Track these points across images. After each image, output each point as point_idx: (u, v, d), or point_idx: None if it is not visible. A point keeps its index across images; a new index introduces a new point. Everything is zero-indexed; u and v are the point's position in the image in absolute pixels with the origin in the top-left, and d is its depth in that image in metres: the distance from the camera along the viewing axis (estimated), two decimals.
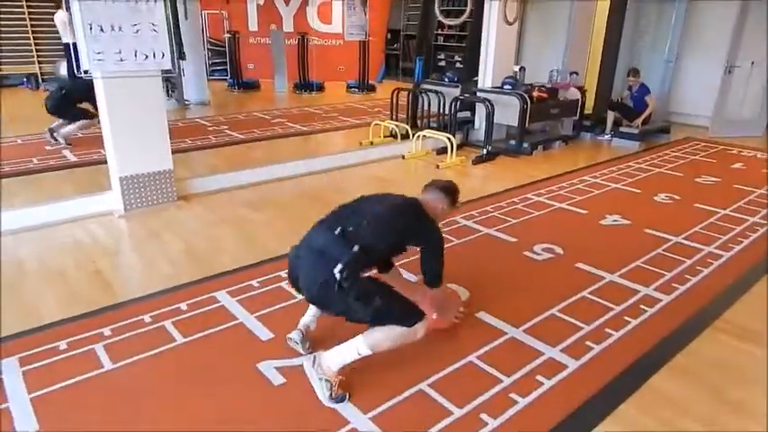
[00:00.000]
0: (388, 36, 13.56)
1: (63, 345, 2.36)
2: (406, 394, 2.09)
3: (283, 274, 3.05)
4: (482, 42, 6.47)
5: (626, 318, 2.68)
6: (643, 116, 6.75)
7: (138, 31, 3.77)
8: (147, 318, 2.59)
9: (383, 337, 2.01)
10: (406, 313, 2.05)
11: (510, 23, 5.93)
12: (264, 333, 2.48)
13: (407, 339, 2.05)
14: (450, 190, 2.43)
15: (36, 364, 2.23)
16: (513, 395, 2.09)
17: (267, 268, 3.12)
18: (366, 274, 2.11)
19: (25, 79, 10.00)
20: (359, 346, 2.02)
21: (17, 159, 5.19)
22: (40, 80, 10.14)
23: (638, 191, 4.83)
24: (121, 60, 3.76)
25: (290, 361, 2.26)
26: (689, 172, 5.50)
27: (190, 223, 3.89)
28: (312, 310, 2.39)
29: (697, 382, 2.24)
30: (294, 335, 2.31)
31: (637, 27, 8.06)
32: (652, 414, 2.03)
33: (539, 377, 2.20)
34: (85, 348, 2.34)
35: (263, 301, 2.75)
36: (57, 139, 5.79)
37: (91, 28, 3.58)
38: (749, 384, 2.24)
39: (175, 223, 3.88)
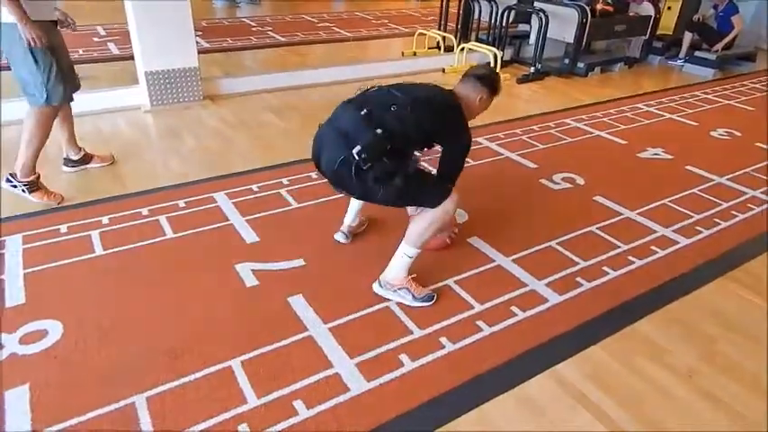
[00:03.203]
0: None
1: (64, 228, 2.50)
2: (371, 310, 2.07)
3: (285, 180, 3.05)
4: None
5: (630, 257, 2.49)
6: (726, 40, 5.95)
7: None
8: (144, 211, 2.68)
9: (420, 230, 2.04)
10: (430, 194, 2.02)
11: None
12: (251, 236, 2.51)
13: (442, 221, 2.06)
14: (489, 80, 2.17)
15: (36, 243, 2.38)
16: (479, 322, 2.03)
17: (270, 174, 3.12)
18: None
19: None
20: (405, 250, 2.08)
21: None
22: None
23: (695, 124, 4.35)
24: None
25: (267, 265, 2.30)
26: (762, 107, 4.87)
27: (211, 123, 3.91)
28: (353, 207, 2.45)
29: (688, 330, 2.08)
30: (339, 236, 2.46)
31: None
32: (623, 359, 1.92)
33: (513, 308, 2.12)
34: (83, 234, 2.46)
35: (257, 206, 2.76)
36: None
37: None
38: (745, 339, 2.06)
39: (197, 122, 3.91)
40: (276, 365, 1.79)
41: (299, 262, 2.33)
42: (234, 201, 2.81)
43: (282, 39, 6.56)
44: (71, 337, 1.87)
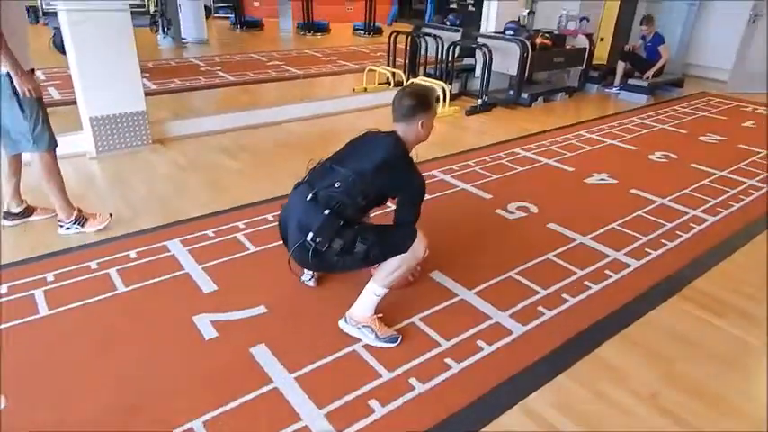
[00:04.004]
0: None
1: (3, 288, 2.34)
2: (338, 354, 2.03)
3: (241, 224, 2.99)
4: None
5: (587, 283, 2.56)
6: (655, 68, 6.35)
7: None
8: (93, 264, 2.55)
9: (389, 271, 2.04)
10: (394, 244, 2.03)
11: None
12: (208, 285, 2.42)
13: (412, 262, 2.06)
14: (421, 103, 2.10)
15: None
16: (448, 360, 2.03)
17: (226, 218, 3.05)
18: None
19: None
20: (373, 289, 2.08)
21: None
22: (40, 14, 9.90)
23: (635, 148, 4.59)
24: None
25: (227, 315, 2.22)
26: (694, 130, 5.20)
27: (161, 167, 3.81)
28: None
29: (647, 353, 2.14)
30: (305, 277, 2.43)
31: None
32: (589, 386, 1.95)
33: (479, 342, 2.13)
34: (25, 294, 2.32)
35: (214, 252, 2.69)
36: None
37: None
38: (703, 358, 2.13)
39: (146, 167, 3.80)
40: (241, 424, 1.71)
41: (261, 309, 2.27)
42: (189, 248, 2.72)
43: (232, 78, 6.54)
44: (14, 412, 1.73)
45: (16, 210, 2.90)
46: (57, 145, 2.75)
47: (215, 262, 2.61)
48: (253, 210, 3.15)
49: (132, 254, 2.65)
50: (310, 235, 1.92)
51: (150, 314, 2.23)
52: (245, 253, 2.70)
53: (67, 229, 2.83)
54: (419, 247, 2.03)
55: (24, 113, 2.54)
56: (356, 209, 2.00)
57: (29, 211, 2.94)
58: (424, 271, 2.56)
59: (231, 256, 2.66)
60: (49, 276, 2.44)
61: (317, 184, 2.01)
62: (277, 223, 2.17)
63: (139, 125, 4.06)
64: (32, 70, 2.65)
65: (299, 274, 2.39)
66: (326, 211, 1.93)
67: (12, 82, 2.44)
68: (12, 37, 2.38)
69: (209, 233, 2.88)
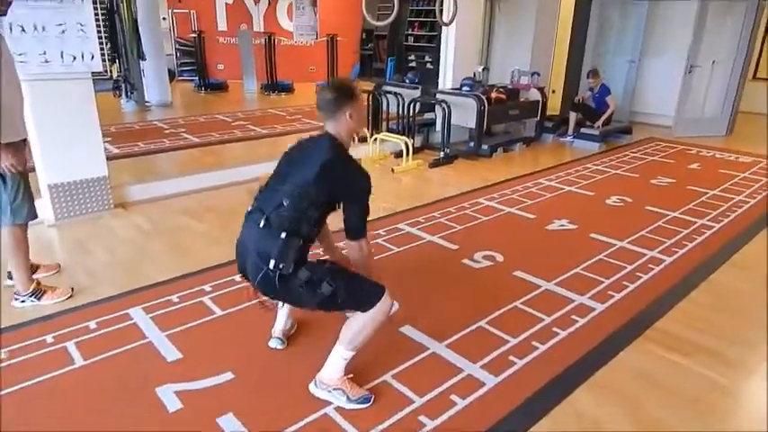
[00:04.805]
0: (363, 36, 13.46)
1: None
2: (310, 419, 1.97)
3: (207, 287, 2.93)
4: (441, 43, 6.39)
5: (555, 329, 2.59)
6: (604, 117, 6.72)
7: (63, 31, 3.60)
8: (49, 338, 2.44)
9: (353, 333, 1.99)
10: (360, 297, 1.97)
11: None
12: (172, 353, 2.34)
13: (378, 322, 1.98)
14: (342, 94, 2.03)
15: None
16: (421, 417, 1.99)
17: (191, 281, 2.99)
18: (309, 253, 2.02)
19: None
20: (340, 352, 2.03)
21: None
22: None
23: (591, 194, 4.77)
24: (46, 62, 3.59)
25: (192, 384, 2.14)
26: (645, 173, 5.47)
27: (123, 232, 3.74)
28: (283, 311, 2.39)
29: (616, 397, 2.16)
30: (273, 343, 2.37)
31: (601, 29, 8.05)
32: None
33: (453, 396, 2.11)
34: None
35: (178, 318, 2.61)
36: None
37: (11, 29, 3.41)
38: (670, 398, 2.16)
39: (107, 233, 3.72)
40: None
41: (228, 376, 2.20)
42: (152, 315, 2.64)
43: (197, 139, 6.57)
44: None
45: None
46: (36, 217, 2.75)
47: (179, 328, 2.53)
48: (220, 271, 3.10)
49: (92, 324, 2.56)
50: (272, 263, 1.86)
51: (110, 388, 2.13)
52: (212, 317, 2.64)
53: (23, 302, 2.72)
54: (386, 304, 1.97)
55: (5, 185, 2.51)
56: (310, 222, 1.96)
57: None
58: (394, 325, 2.55)
59: (196, 322, 2.59)
60: (2, 353, 2.32)
61: (267, 209, 1.96)
62: (235, 256, 2.07)
63: (101, 190, 4.00)
64: (24, 140, 2.62)
65: (268, 305, 2.26)
66: (283, 235, 1.88)
67: None
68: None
69: (174, 298, 2.81)
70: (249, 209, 2.07)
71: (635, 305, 2.84)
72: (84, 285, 2.96)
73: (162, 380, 2.16)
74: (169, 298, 2.80)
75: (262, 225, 1.93)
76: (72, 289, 2.85)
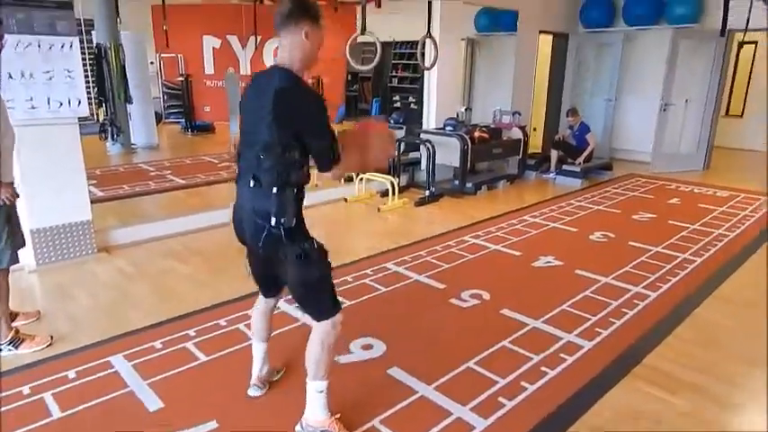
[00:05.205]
0: (348, 78, 13.76)
1: None
2: None
3: (192, 332, 2.88)
4: (424, 85, 6.56)
5: (543, 368, 2.58)
6: (585, 154, 6.87)
7: (51, 78, 3.64)
8: (25, 390, 2.36)
9: (316, 358, 1.98)
10: (322, 300, 1.98)
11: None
12: (154, 402, 2.28)
13: (330, 339, 1.98)
14: (305, 5, 1.85)
15: None
16: None
17: (175, 326, 2.94)
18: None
19: None
20: (314, 387, 2.01)
21: None
22: None
23: (575, 230, 4.83)
24: (33, 108, 3.61)
25: None
26: (627, 209, 5.57)
27: (106, 277, 3.68)
28: (257, 355, 2.33)
29: None
30: (252, 391, 2.31)
31: (578, 69, 8.35)
32: None
33: None
34: None
35: (161, 366, 2.55)
36: None
37: None
38: None
39: (90, 278, 3.67)
40: None
41: (212, 425, 2.14)
42: (133, 363, 2.58)
43: (182, 181, 6.58)
44: None
45: None
46: (18, 261, 2.74)
47: (162, 376, 2.47)
48: (205, 315, 3.05)
49: (71, 373, 2.49)
50: (273, 220, 1.83)
51: None
52: (195, 363, 2.58)
53: (0, 350, 2.65)
54: (337, 325, 1.98)
55: None
56: (296, 166, 1.85)
57: None
58: (382, 368, 2.53)
59: (179, 368, 2.54)
60: None
61: (250, 168, 1.89)
62: (232, 226, 2.07)
63: (84, 234, 3.96)
64: (10, 183, 2.60)
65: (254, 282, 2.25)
66: (274, 189, 1.83)
67: None
68: None
69: (157, 344, 2.75)
70: (236, 174, 2.03)
71: (621, 342, 2.84)
72: (65, 332, 2.89)
73: (143, 431, 2.09)
74: (152, 344, 2.75)
75: (252, 185, 1.88)
76: (51, 337, 2.79)
